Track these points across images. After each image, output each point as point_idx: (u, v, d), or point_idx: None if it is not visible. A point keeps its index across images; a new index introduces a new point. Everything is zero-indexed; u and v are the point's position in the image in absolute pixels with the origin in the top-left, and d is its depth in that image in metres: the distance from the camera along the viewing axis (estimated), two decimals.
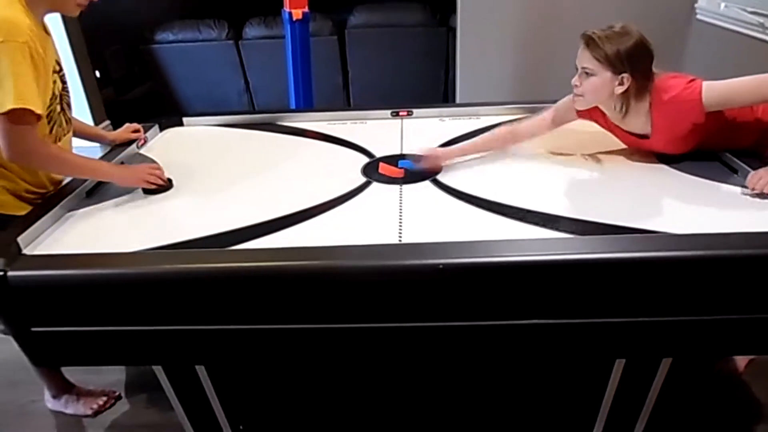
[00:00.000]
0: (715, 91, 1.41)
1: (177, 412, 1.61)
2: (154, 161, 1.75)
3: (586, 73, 1.46)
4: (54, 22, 1.54)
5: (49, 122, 1.45)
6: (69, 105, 1.57)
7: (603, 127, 1.65)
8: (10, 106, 1.24)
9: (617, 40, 1.41)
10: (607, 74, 1.43)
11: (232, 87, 4.19)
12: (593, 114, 1.62)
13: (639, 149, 1.63)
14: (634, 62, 1.42)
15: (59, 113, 1.50)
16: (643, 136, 1.56)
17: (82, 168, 1.49)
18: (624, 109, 1.49)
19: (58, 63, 1.49)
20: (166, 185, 1.58)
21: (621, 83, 1.43)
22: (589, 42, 1.44)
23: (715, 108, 1.43)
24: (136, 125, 1.90)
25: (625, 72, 1.42)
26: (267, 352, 1.30)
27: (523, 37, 3.52)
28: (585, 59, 1.45)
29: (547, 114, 1.69)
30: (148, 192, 1.55)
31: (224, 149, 1.90)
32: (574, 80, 1.50)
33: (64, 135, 1.56)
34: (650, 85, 1.46)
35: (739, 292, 1.16)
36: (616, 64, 1.41)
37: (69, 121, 1.57)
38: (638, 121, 1.53)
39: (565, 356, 1.38)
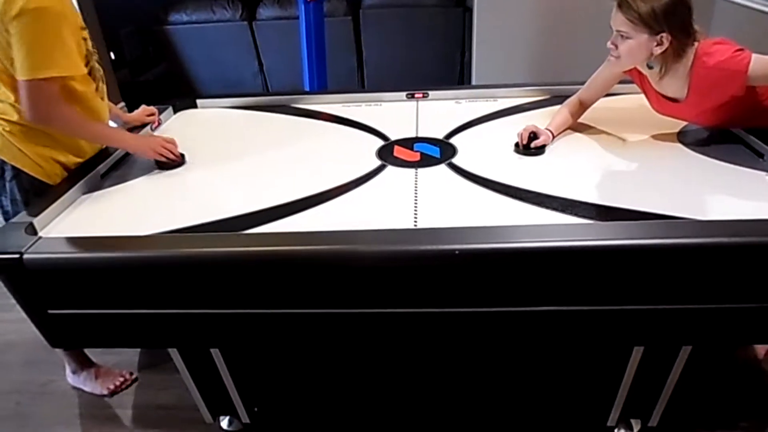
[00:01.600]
0: (761, 66, 1.34)
1: (192, 394, 1.63)
2: None
3: (621, 36, 1.39)
4: None
5: (92, 77, 1.51)
6: (100, 64, 1.61)
7: (637, 84, 1.60)
8: (38, 74, 1.30)
9: None
10: (644, 36, 1.36)
11: (246, 68, 4.17)
12: (630, 71, 1.56)
13: (668, 114, 1.58)
14: (672, 19, 1.34)
15: (97, 69, 1.55)
16: (675, 100, 1.50)
17: (99, 134, 1.56)
18: (663, 70, 1.43)
19: (81, 21, 1.52)
20: (179, 160, 1.60)
21: (659, 43, 1.36)
22: (622, 3, 1.36)
23: (757, 82, 1.37)
24: (152, 108, 1.91)
25: (662, 31, 1.35)
26: (282, 336, 1.30)
27: (540, 18, 3.45)
28: (619, 21, 1.38)
29: (600, 73, 1.63)
30: (161, 166, 1.58)
31: (238, 132, 1.89)
32: (609, 43, 1.44)
33: (105, 93, 1.62)
34: (690, 43, 1.39)
35: (761, 280, 1.13)
36: (652, 24, 1.34)
37: (104, 80, 1.62)
38: (675, 84, 1.46)
39: (582, 343, 1.37)
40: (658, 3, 1.33)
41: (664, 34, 1.35)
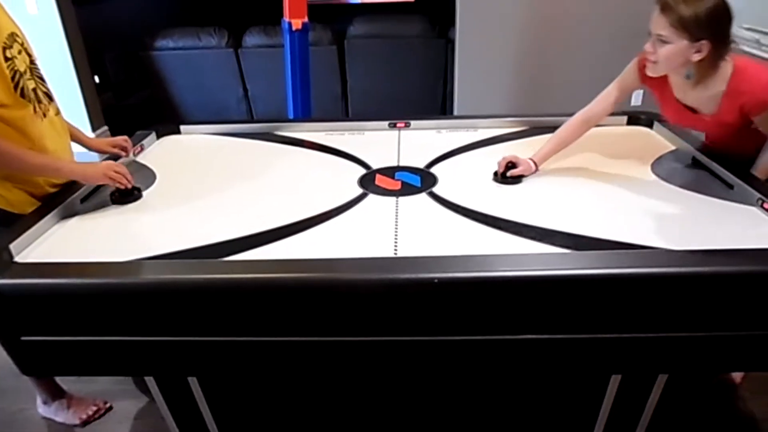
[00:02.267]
0: None
1: (168, 423, 1.59)
2: (150, 169, 1.74)
3: (661, 40, 1.36)
4: (52, 25, 1.52)
5: (25, 98, 1.39)
6: (42, 79, 1.50)
7: (655, 91, 1.59)
8: None
9: (694, 2, 1.29)
10: (683, 41, 1.33)
11: (231, 94, 4.19)
12: (655, 80, 1.53)
13: (685, 125, 1.60)
14: (714, 27, 1.31)
15: (33, 89, 1.44)
16: (696, 111, 1.50)
17: (42, 167, 1.45)
18: (696, 79, 1.41)
19: (15, 36, 1.41)
20: (129, 188, 1.53)
21: (698, 50, 1.33)
22: (665, 6, 1.33)
23: None
24: (122, 142, 1.79)
25: (703, 38, 1.31)
26: (260, 364, 1.29)
27: (521, 51, 3.54)
28: (659, 25, 1.34)
29: (611, 88, 1.62)
30: (115, 201, 1.52)
31: (221, 158, 1.89)
32: (648, 46, 1.41)
33: (49, 111, 1.50)
34: (726, 54, 1.37)
35: (735, 308, 1.15)
36: (693, 30, 1.30)
37: (50, 95, 1.51)
38: (701, 97, 1.45)
39: (560, 371, 1.38)
40: (702, 9, 1.29)
41: (704, 42, 1.32)
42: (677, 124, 1.63)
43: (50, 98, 1.53)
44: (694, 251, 1.19)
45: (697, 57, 1.36)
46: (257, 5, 4.97)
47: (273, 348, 1.23)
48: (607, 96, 1.64)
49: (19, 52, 1.42)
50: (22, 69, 1.41)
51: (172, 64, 4.08)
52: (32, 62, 1.48)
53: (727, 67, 1.41)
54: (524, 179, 1.61)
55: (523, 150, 1.73)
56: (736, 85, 1.40)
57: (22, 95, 1.39)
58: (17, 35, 1.44)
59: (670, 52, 1.37)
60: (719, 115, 1.48)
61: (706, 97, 1.47)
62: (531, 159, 1.63)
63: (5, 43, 1.37)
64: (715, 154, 1.60)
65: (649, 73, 1.49)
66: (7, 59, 1.36)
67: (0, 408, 1.95)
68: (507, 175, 1.59)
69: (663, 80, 1.53)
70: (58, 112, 1.56)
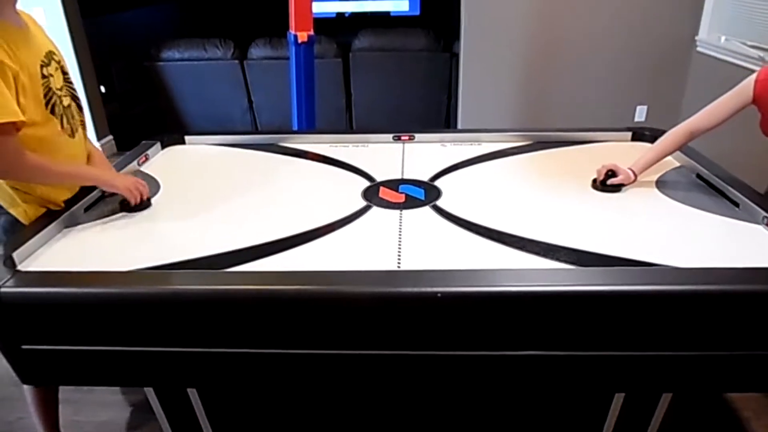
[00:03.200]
0: None
1: None
2: (154, 179, 1.75)
3: None
4: (60, 35, 1.55)
5: (55, 116, 1.41)
6: (75, 97, 1.54)
7: (762, 110, 1.55)
8: None
9: None
10: None
11: (235, 106, 4.22)
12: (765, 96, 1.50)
13: None
14: None
15: (67, 107, 1.47)
16: None
17: (69, 175, 1.49)
18: None
19: (52, 54, 1.44)
20: (146, 204, 1.57)
21: None
22: None
23: None
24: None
25: None
26: (260, 376, 1.28)
27: (525, 65, 3.56)
28: None
29: (721, 102, 1.57)
30: (124, 208, 1.54)
31: (225, 169, 1.90)
32: None
33: (80, 127, 1.54)
34: None
35: (740, 327, 1.14)
36: None
37: (81, 110, 1.56)
38: None
39: (563, 388, 1.36)
40: None
41: None
42: None
43: (81, 112, 1.56)
44: (699, 269, 1.18)
45: None
46: (263, 17, 5.02)
47: (274, 360, 1.23)
48: (716, 109, 1.59)
49: (56, 70, 1.45)
50: (57, 86, 1.44)
51: (177, 74, 4.11)
52: (67, 79, 1.50)
53: None
54: (528, 193, 1.61)
55: (529, 164, 1.73)
56: None
57: (53, 111, 1.41)
58: (54, 53, 1.46)
59: None
60: None
61: None
62: (630, 168, 1.63)
63: (43, 61, 1.40)
64: (719, 170, 1.60)
65: None
66: (44, 77, 1.38)
67: None
68: (607, 183, 1.60)
69: None
70: (84, 127, 1.58)
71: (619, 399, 1.40)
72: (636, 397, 1.41)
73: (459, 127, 3.74)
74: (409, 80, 4.03)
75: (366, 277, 1.19)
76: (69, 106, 1.49)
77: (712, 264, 1.20)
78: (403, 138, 2.07)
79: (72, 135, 1.50)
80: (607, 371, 1.22)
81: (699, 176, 1.66)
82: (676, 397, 1.41)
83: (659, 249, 1.29)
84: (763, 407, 1.87)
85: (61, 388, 1.72)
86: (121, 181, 1.54)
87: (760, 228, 1.37)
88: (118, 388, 2.03)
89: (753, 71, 1.55)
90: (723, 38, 3.23)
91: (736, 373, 1.22)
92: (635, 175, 1.63)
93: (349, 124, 4.22)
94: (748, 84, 1.54)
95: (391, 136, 2.08)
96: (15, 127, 1.28)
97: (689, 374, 1.22)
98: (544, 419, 1.53)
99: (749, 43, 2.88)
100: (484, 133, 2.08)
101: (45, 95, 1.38)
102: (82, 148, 1.57)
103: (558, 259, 1.26)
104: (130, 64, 4.66)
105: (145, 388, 1.46)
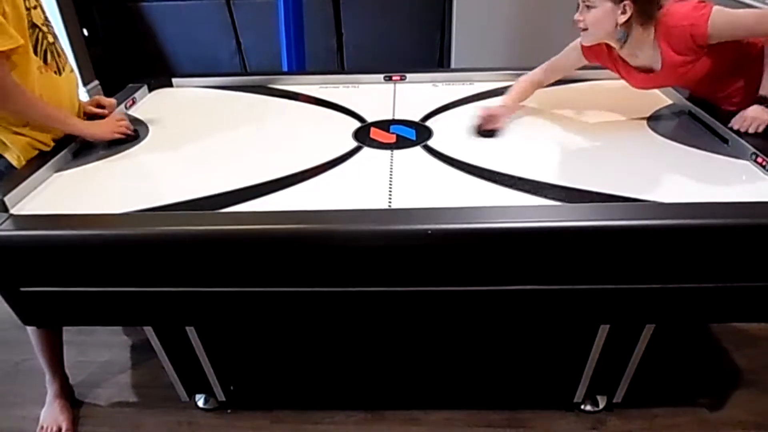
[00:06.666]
0: (722, 15, 1.39)
1: (168, 373, 1.64)
2: (142, 122, 1.73)
3: (587, 6, 1.43)
4: None
5: (38, 53, 1.41)
6: (56, 36, 1.52)
7: (611, 69, 1.63)
8: None
9: None
10: (608, 4, 1.40)
11: (223, 48, 4.10)
12: (599, 55, 1.60)
13: (650, 87, 1.63)
14: None
15: (51, 43, 1.46)
16: (651, 70, 1.53)
17: (52, 117, 1.47)
18: (627, 39, 1.46)
19: None
20: (134, 135, 1.61)
21: (623, 11, 1.40)
22: None
23: (720, 35, 1.40)
24: (108, 101, 1.74)
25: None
26: (256, 314, 1.32)
27: (520, 2, 3.46)
28: None
29: (566, 53, 1.68)
30: (114, 142, 1.56)
31: (214, 112, 1.87)
32: (577, 15, 1.47)
33: (65, 67, 1.53)
34: (655, 12, 1.43)
35: (723, 260, 1.17)
36: None
37: (63, 53, 1.54)
38: (646, 54, 1.50)
39: (550, 321, 1.41)
40: None
41: (626, 2, 1.39)
42: (643, 88, 1.65)
43: (63, 55, 1.54)
44: (683, 204, 1.19)
45: (623, 18, 1.42)
46: None
47: (268, 298, 1.26)
48: (558, 62, 1.71)
49: (35, 7, 1.43)
50: (40, 22, 1.43)
51: (163, 16, 3.98)
52: (47, 19, 1.49)
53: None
54: (518, 132, 1.60)
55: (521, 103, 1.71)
56: (662, 27, 1.44)
57: (36, 45, 1.40)
58: None
59: (597, 16, 1.43)
60: (669, 65, 1.49)
61: (649, 55, 1.50)
62: (503, 104, 1.67)
63: None
64: (711, 108, 1.59)
65: (583, 42, 1.55)
66: (26, 9, 1.37)
67: (3, 359, 2.00)
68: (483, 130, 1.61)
69: (609, 54, 1.58)
70: (72, 71, 1.58)
71: (604, 330, 1.46)
72: (620, 329, 1.46)
73: (452, 66, 3.67)
74: (401, 19, 3.91)
75: (357, 215, 1.20)
76: (53, 43, 1.48)
77: (699, 199, 1.21)
78: (394, 78, 2.04)
79: (59, 72, 1.49)
80: (593, 304, 1.26)
81: (690, 113, 1.65)
82: (658, 328, 1.46)
83: (646, 185, 1.31)
84: (744, 338, 1.94)
85: (64, 330, 1.77)
86: (102, 130, 1.56)
87: (748, 164, 1.38)
88: (120, 330, 2.09)
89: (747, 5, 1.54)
90: None
91: (718, 304, 1.27)
92: (511, 108, 1.67)
93: (340, 65, 4.13)
94: (574, 46, 1.64)
95: (382, 76, 2.05)
96: (5, 54, 1.29)
97: (673, 306, 1.26)
98: (531, 351, 1.59)
99: None
100: (476, 72, 2.05)
101: (29, 28, 1.37)
102: (72, 88, 1.57)
103: (546, 196, 1.27)
104: (112, 5, 4.50)
105: (145, 328, 1.50)
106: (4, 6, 1.29)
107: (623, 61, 1.57)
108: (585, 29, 1.48)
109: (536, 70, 1.73)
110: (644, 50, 1.49)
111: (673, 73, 1.51)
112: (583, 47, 1.59)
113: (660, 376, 1.78)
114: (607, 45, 1.55)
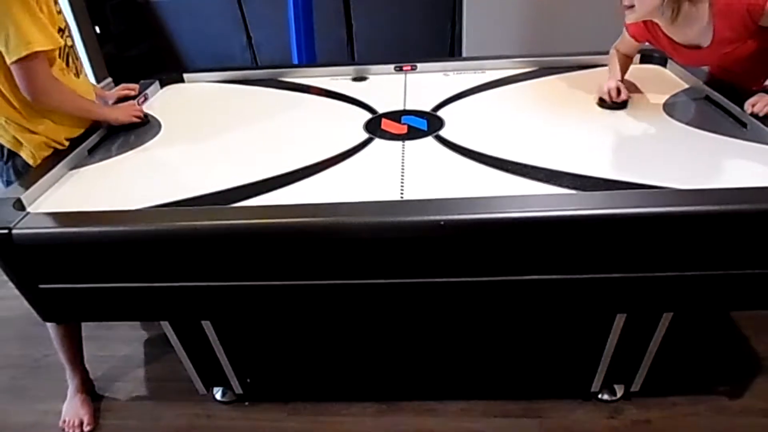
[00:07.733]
0: None
1: (185, 366, 1.66)
2: (155, 118, 1.74)
3: None
4: None
5: (60, 56, 1.48)
6: (74, 41, 1.60)
7: (655, 44, 1.62)
8: (22, 52, 1.31)
9: None
10: None
11: (234, 42, 4.11)
12: (646, 33, 1.59)
13: (693, 64, 1.63)
14: None
15: (71, 46, 1.54)
16: (697, 46, 1.51)
17: (82, 107, 1.57)
18: (676, 14, 1.43)
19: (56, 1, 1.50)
20: (146, 120, 1.72)
21: None
22: None
23: None
24: (130, 86, 1.91)
25: None
26: (271, 307, 1.32)
27: None
28: None
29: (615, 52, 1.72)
30: (127, 127, 1.66)
31: (226, 106, 1.88)
32: None
33: (81, 70, 1.61)
34: None
35: (742, 247, 1.15)
36: None
37: (79, 57, 1.61)
38: (695, 30, 1.47)
39: (566, 311, 1.40)
40: None
41: None
42: (690, 65, 1.65)
43: (77, 58, 1.60)
44: (700, 190, 1.17)
45: None
46: None
47: (282, 291, 1.26)
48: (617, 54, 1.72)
49: (59, 12, 1.49)
50: (62, 25, 1.49)
51: (174, 12, 4.00)
52: (67, 24, 1.55)
53: None
54: (530, 121, 1.59)
55: (533, 91, 1.69)
56: (720, 4, 1.41)
57: (60, 49, 1.47)
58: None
59: None
60: (719, 41, 1.46)
61: (697, 31, 1.47)
62: (618, 80, 1.66)
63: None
64: (728, 91, 1.56)
65: (628, 20, 1.53)
66: (58, 13, 1.46)
67: (24, 354, 2.04)
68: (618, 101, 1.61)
69: (655, 31, 1.55)
70: (86, 75, 1.66)
71: (620, 319, 1.44)
72: (637, 318, 1.44)
73: (464, 55, 3.63)
74: (411, 8, 3.89)
75: (370, 207, 1.20)
76: (72, 46, 1.55)
77: (717, 185, 1.19)
78: (405, 68, 2.03)
79: (77, 75, 1.56)
80: (609, 293, 1.25)
81: (708, 97, 1.62)
82: (676, 316, 1.44)
83: (662, 172, 1.28)
84: (763, 326, 1.91)
85: (84, 325, 1.79)
86: (122, 113, 1.68)
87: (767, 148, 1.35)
88: (138, 325, 2.11)
89: None
90: None
91: (737, 291, 1.24)
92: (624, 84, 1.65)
93: (351, 56, 4.11)
94: (624, 34, 1.68)
95: (392, 66, 2.03)
96: (46, 54, 1.37)
97: (691, 294, 1.24)
98: (548, 340, 1.58)
99: None
100: (487, 60, 2.03)
101: (57, 32, 1.43)
102: (89, 90, 1.64)
103: (561, 185, 1.26)
104: (123, 2, 4.52)
105: (162, 323, 1.52)
106: (43, 6, 1.37)
107: (668, 38, 1.54)
108: (631, 6, 1.44)
109: (617, 48, 1.74)
110: (694, 27, 1.46)
111: (718, 51, 1.48)
112: (627, 25, 1.57)
113: (678, 365, 1.76)
114: (652, 22, 1.52)
